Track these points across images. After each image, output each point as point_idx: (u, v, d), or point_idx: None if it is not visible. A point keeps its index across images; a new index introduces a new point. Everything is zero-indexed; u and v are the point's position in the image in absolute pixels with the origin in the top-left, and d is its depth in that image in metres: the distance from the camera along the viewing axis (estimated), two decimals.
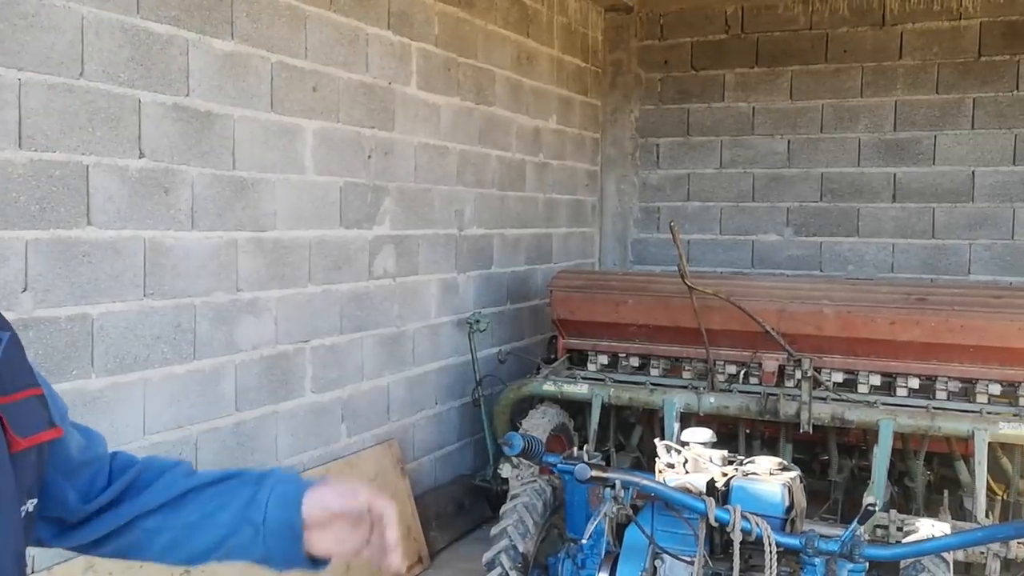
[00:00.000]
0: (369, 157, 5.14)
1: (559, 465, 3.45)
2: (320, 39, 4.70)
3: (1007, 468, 5.09)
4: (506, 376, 6.08)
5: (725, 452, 3.20)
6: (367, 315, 5.26)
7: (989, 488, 5.04)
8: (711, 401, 5.26)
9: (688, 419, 5.36)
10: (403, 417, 5.66)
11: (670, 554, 3.00)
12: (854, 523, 2.69)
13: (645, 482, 2.89)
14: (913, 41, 7.25)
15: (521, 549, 3.42)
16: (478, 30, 6.15)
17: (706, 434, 3.34)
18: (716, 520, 2.79)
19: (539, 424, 5.58)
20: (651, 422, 5.79)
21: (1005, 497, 5.11)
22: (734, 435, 5.58)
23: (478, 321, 5.94)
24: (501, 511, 3.57)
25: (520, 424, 5.58)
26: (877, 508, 2.73)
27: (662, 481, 3.04)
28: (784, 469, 3.09)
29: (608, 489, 2.88)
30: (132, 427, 3.79)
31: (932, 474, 5.37)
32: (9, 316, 1.84)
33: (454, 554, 5.51)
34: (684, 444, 3.31)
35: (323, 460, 4.91)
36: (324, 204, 4.85)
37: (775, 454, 5.45)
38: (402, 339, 5.61)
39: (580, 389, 5.55)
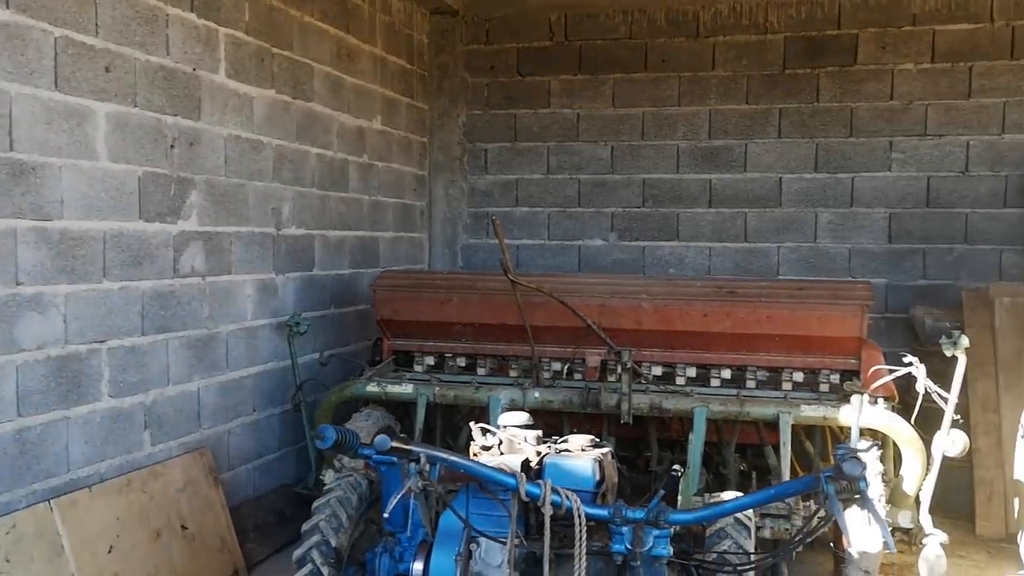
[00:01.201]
0: (172, 147, 4.84)
1: (375, 456, 3.32)
2: (113, 16, 4.39)
3: (810, 451, 5.35)
4: (329, 381, 5.87)
5: (539, 432, 3.17)
6: (173, 315, 4.93)
7: (793, 470, 5.29)
8: (536, 396, 5.27)
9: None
10: (217, 424, 5.34)
11: (486, 536, 2.93)
12: (659, 490, 2.71)
13: (451, 457, 2.81)
14: (725, 53, 7.62)
15: (334, 544, 3.26)
16: (293, 21, 5.95)
17: (521, 416, 3.30)
18: (527, 495, 2.74)
19: (363, 427, 5.40)
20: (479, 422, 5.72)
21: None
22: (560, 431, 5.60)
23: (298, 324, 5.70)
24: (313, 506, 3.39)
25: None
26: (680, 473, 2.76)
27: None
28: (596, 446, 3.10)
29: (412, 464, 2.77)
30: None
31: (744, 463, 5.58)
32: None
33: (274, 565, 5.24)
34: (501, 428, 3.27)
35: (124, 470, 4.54)
36: (120, 194, 4.52)
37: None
38: (214, 342, 5.30)
39: (405, 389, 5.43)
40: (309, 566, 3.22)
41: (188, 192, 5.00)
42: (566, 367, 5.58)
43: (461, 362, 5.84)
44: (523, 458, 3.01)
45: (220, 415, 5.36)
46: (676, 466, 2.77)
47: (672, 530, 2.73)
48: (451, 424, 5.89)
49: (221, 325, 5.36)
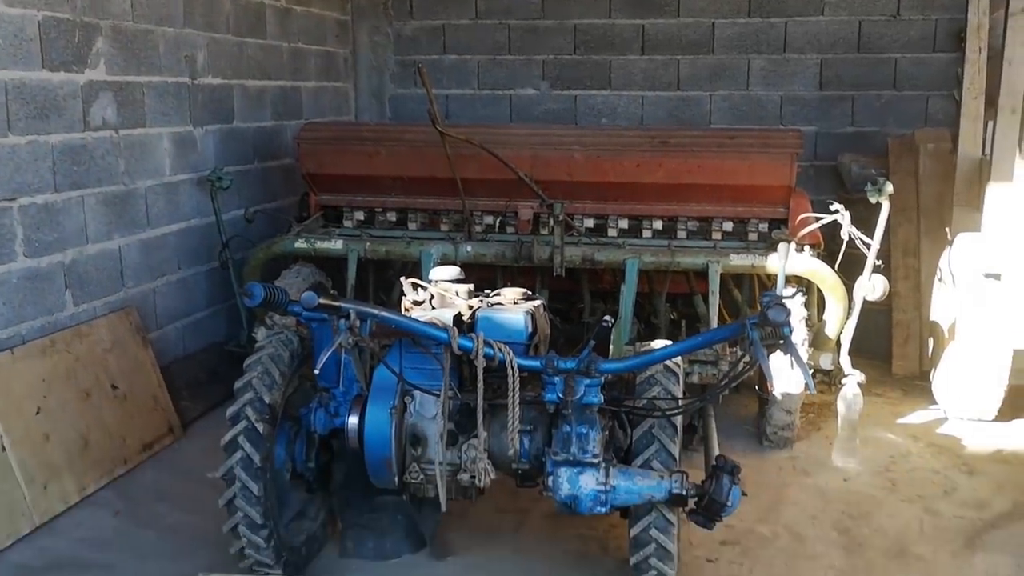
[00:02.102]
0: None
1: (304, 313, 3.28)
2: None
3: (738, 299, 5.49)
4: (256, 238, 5.72)
5: (471, 287, 3.16)
6: (87, 171, 4.70)
7: (722, 318, 5.43)
8: (468, 250, 5.23)
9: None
10: (141, 283, 5.20)
11: (419, 389, 2.95)
12: (590, 341, 2.74)
13: (381, 312, 2.78)
14: None
15: (267, 400, 3.24)
16: None
17: (453, 271, 3.27)
18: (459, 348, 2.75)
19: (292, 284, 5.33)
20: (411, 277, 5.69)
21: None
22: (494, 285, 5.62)
23: (220, 179, 5.49)
24: (245, 364, 3.36)
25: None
26: (611, 323, 2.80)
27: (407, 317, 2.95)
28: (528, 299, 3.10)
29: (342, 320, 2.74)
30: None
31: (675, 312, 5.70)
32: None
33: (210, 422, 5.25)
34: (432, 283, 3.24)
35: (46, 331, 4.42)
36: (20, 41, 4.19)
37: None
38: (132, 198, 5.09)
39: (334, 245, 5.34)
40: (243, 423, 3.22)
41: (94, 39, 4.66)
42: (498, 220, 5.53)
43: (392, 217, 5.74)
44: (455, 312, 3.00)
45: (144, 274, 5.22)
46: (607, 317, 2.79)
47: (603, 379, 2.78)
48: (384, 280, 5.85)
49: (139, 181, 5.14)
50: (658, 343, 3.28)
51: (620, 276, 5.02)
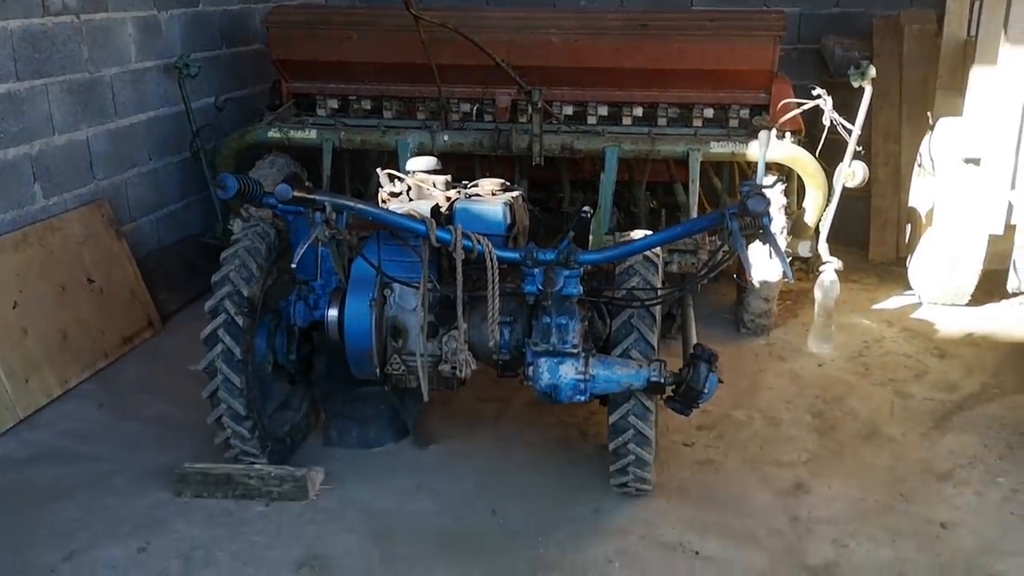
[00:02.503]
0: None
1: (280, 205, 3.22)
2: None
3: (718, 187, 5.46)
4: (228, 127, 5.59)
5: (448, 177, 3.10)
6: (49, 59, 4.52)
7: (702, 206, 5.42)
8: (445, 139, 5.14)
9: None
10: (112, 175, 5.09)
11: (398, 282, 2.93)
12: (569, 231, 2.72)
13: (357, 205, 2.74)
14: None
15: (246, 293, 3.22)
16: None
17: (429, 161, 3.21)
18: (438, 240, 2.72)
19: (267, 175, 5.23)
20: (387, 168, 5.60)
21: None
22: (472, 175, 5.54)
23: (187, 66, 5.31)
24: (222, 256, 3.32)
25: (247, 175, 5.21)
26: (590, 215, 2.77)
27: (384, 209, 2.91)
28: (507, 190, 3.06)
29: (317, 213, 2.70)
30: None
31: (655, 201, 5.67)
32: None
33: (188, 315, 5.23)
34: (409, 174, 3.18)
35: (18, 224, 4.35)
36: None
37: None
38: (98, 87, 4.93)
39: (308, 135, 5.22)
40: (223, 316, 3.20)
41: None
42: (475, 108, 5.41)
43: (366, 105, 5.60)
44: (433, 204, 2.96)
45: (114, 165, 5.11)
46: (586, 208, 2.76)
47: (582, 270, 2.77)
48: (360, 170, 5.76)
49: (104, 69, 4.96)
50: (638, 233, 3.27)
51: (600, 165, 4.96)
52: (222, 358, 3.19)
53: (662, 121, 5.31)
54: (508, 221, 2.99)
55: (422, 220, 2.78)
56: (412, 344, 3.05)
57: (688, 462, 3.75)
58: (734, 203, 2.69)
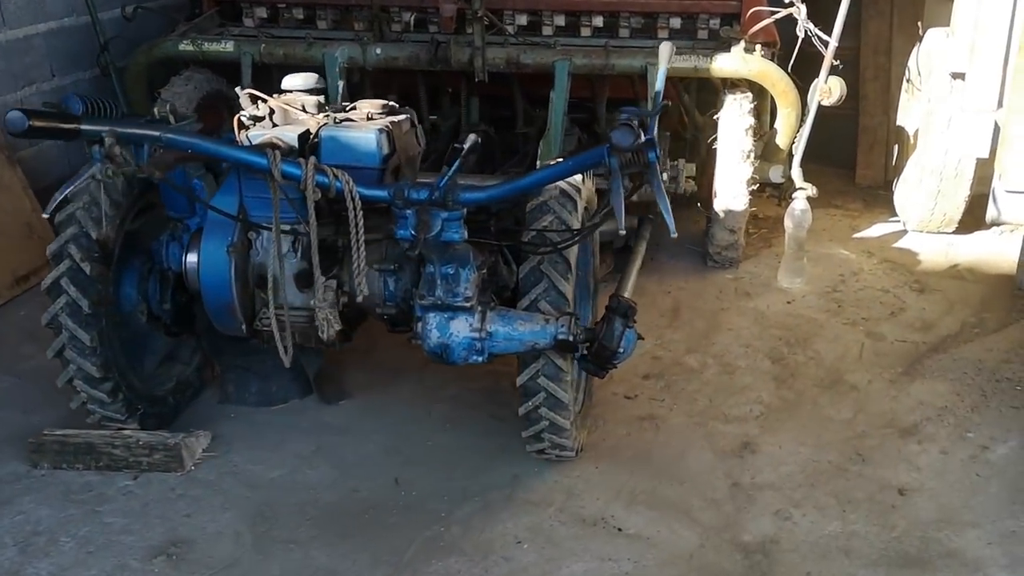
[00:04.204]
0: None
1: (122, 132, 2.72)
2: None
3: (687, 104, 4.93)
4: (141, 39, 5.01)
5: (320, 99, 2.61)
6: None
7: (672, 125, 4.91)
8: (378, 52, 4.60)
9: (354, 75, 4.72)
10: (5, 94, 4.57)
11: (259, 227, 2.47)
12: (449, 169, 2.24)
13: (156, 132, 2.24)
14: None
15: (95, 236, 2.76)
16: None
17: (308, 79, 2.71)
18: (284, 176, 2.24)
19: (182, 92, 4.70)
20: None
21: (686, 135, 5.02)
22: (416, 94, 5.02)
23: None
24: (69, 191, 2.82)
25: (159, 94, 4.69)
26: (465, 148, 2.28)
27: (243, 139, 2.41)
28: (392, 112, 2.56)
29: (96, 147, 2.21)
30: None
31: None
32: None
33: None
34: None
35: None
36: None
37: (459, 110, 5.03)
38: None
39: (225, 47, 4.69)
40: (67, 262, 2.74)
41: None
42: (414, 18, 4.85)
43: (298, 14, 5.04)
44: (302, 130, 2.47)
45: (6, 83, 4.58)
46: (473, 136, 2.27)
47: (463, 211, 2.31)
48: None
49: None
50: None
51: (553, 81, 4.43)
52: (66, 312, 2.75)
53: (624, 32, 4.76)
54: (384, 151, 2.50)
55: (264, 153, 2.29)
56: (282, 296, 2.61)
57: (627, 418, 3.34)
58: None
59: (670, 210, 2.25)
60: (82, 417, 3.05)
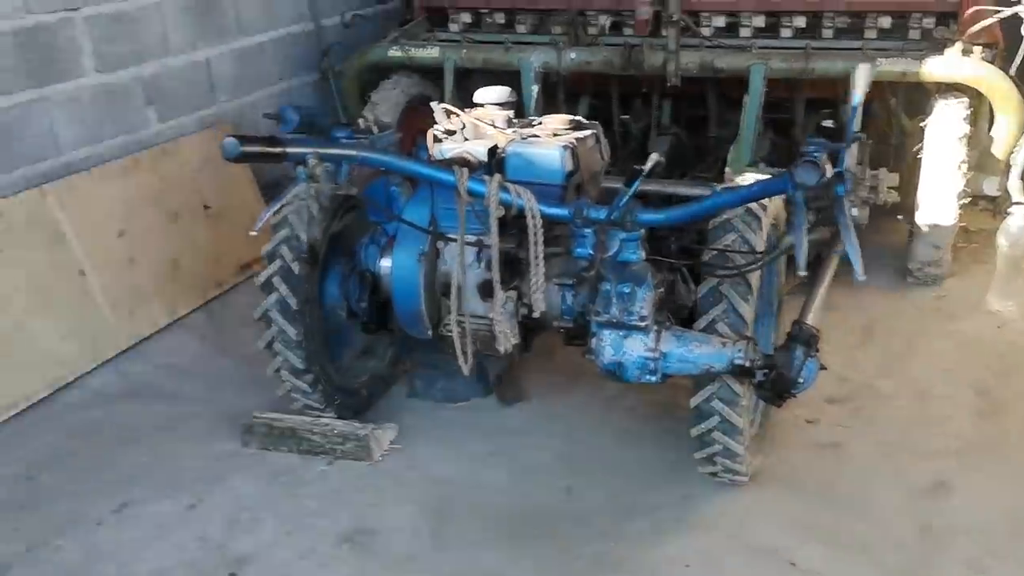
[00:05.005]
0: None
1: (344, 140, 2.93)
2: None
3: (893, 108, 4.65)
4: (359, 45, 5.33)
5: (510, 113, 2.67)
6: None
7: (881, 133, 4.66)
8: (572, 57, 4.67)
9: (551, 79, 4.80)
10: (237, 97, 5.00)
11: (447, 238, 2.58)
12: (628, 189, 2.24)
13: (357, 153, 2.37)
14: None
15: (305, 238, 2.98)
16: None
17: (502, 92, 2.79)
18: (470, 193, 2.32)
19: (390, 96, 4.98)
20: (519, 87, 5.19)
21: (891, 141, 4.74)
22: (608, 98, 5.04)
23: None
24: (275, 210, 3.06)
25: (369, 97, 4.98)
26: (645, 171, 2.26)
27: (436, 152, 2.53)
28: (577, 127, 2.59)
29: (300, 167, 2.36)
30: None
31: (834, 120, 4.91)
32: None
33: None
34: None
35: (129, 150, 4.32)
36: None
37: (651, 112, 4.99)
38: (219, 3, 4.79)
39: (429, 53, 4.91)
40: (279, 262, 2.98)
41: None
42: (611, 22, 4.87)
43: (499, 19, 5.18)
44: (491, 145, 2.55)
45: (240, 87, 5.00)
46: (655, 156, 2.24)
47: (641, 232, 2.30)
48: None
49: None
50: (749, 178, 2.71)
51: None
52: (277, 308, 2.99)
53: (827, 33, 4.56)
54: (567, 168, 2.53)
55: (451, 168, 2.38)
56: (465, 304, 2.71)
57: (807, 443, 3.22)
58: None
59: (858, 249, 2.15)
60: (287, 403, 3.31)
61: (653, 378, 2.55)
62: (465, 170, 2.36)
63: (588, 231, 2.32)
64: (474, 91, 5.11)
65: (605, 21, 4.92)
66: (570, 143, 2.56)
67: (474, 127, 2.65)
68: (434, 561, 2.71)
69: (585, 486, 3.03)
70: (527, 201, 2.33)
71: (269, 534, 2.81)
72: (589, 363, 3.55)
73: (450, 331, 2.79)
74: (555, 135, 2.61)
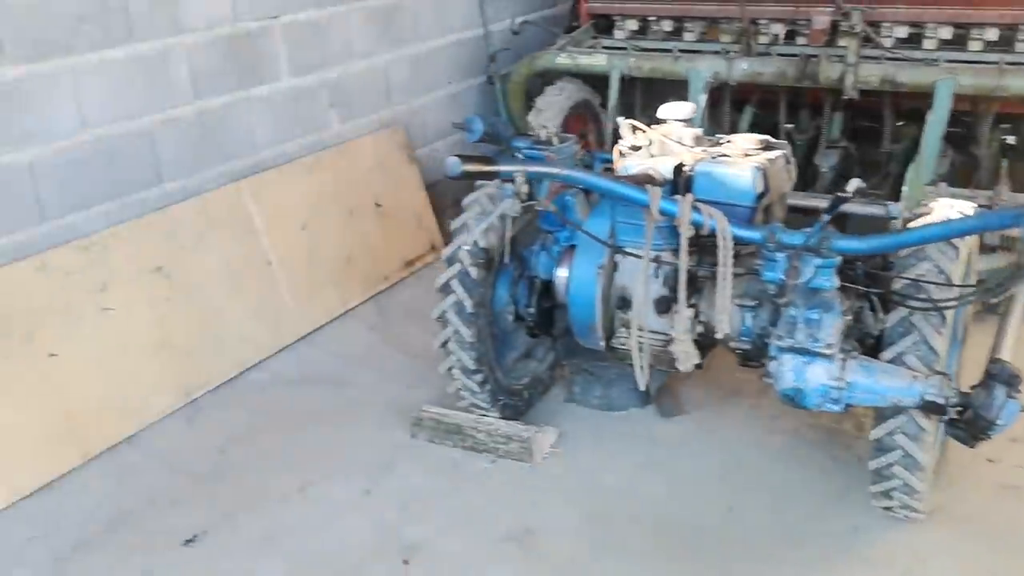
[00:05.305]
0: None
1: (526, 150, 3.02)
2: None
3: None
4: (525, 51, 5.44)
5: (699, 131, 2.67)
6: None
7: None
8: (743, 67, 4.60)
9: (720, 89, 4.75)
10: (409, 100, 5.19)
11: (627, 252, 2.61)
12: (833, 207, 2.20)
13: (559, 171, 2.42)
14: None
15: (483, 244, 3.08)
16: None
17: (687, 109, 2.79)
18: (662, 213, 2.34)
19: (555, 102, 5.06)
20: (684, 96, 5.16)
21: None
22: (775, 110, 4.94)
23: None
24: (464, 202, 3.20)
25: (534, 103, 5.07)
26: (848, 197, 2.21)
27: (621, 168, 2.56)
28: (767, 148, 2.57)
29: (507, 185, 2.43)
30: (67, 119, 3.47)
31: (1018, 139, 4.66)
32: None
33: None
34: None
35: (312, 149, 4.57)
36: None
37: (819, 124, 4.85)
38: (399, 12, 4.99)
39: (597, 61, 4.94)
40: (457, 266, 3.09)
41: None
42: (786, 31, 4.76)
43: (667, 26, 5.17)
44: (676, 163, 2.56)
45: (412, 90, 5.19)
46: (856, 181, 2.19)
47: (837, 259, 2.25)
48: (659, 95, 5.34)
49: None
50: (942, 207, 2.60)
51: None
52: (454, 310, 3.10)
53: (1022, 47, 4.31)
54: (758, 190, 2.51)
55: (645, 186, 2.40)
56: (641, 320, 2.73)
57: (987, 483, 3.08)
58: None
59: None
60: (453, 399, 3.44)
61: (835, 407, 2.49)
62: (658, 190, 2.38)
63: (780, 256, 2.30)
64: (636, 98, 5.19)
65: (779, 30, 4.82)
66: (762, 164, 2.55)
67: (660, 143, 2.67)
68: (594, 568, 2.75)
69: (747, 506, 3.00)
70: (719, 223, 2.33)
71: (438, 525, 2.93)
72: (746, 379, 3.54)
73: (623, 344, 2.82)
74: (745, 155, 2.60)
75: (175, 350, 3.66)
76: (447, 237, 5.16)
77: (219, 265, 3.93)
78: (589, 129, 5.45)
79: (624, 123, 2.79)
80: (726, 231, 2.32)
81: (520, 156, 2.99)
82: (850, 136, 4.86)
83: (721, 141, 2.76)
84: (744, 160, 2.56)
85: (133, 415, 3.45)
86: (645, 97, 5.29)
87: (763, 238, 2.32)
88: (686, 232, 2.36)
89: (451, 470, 3.22)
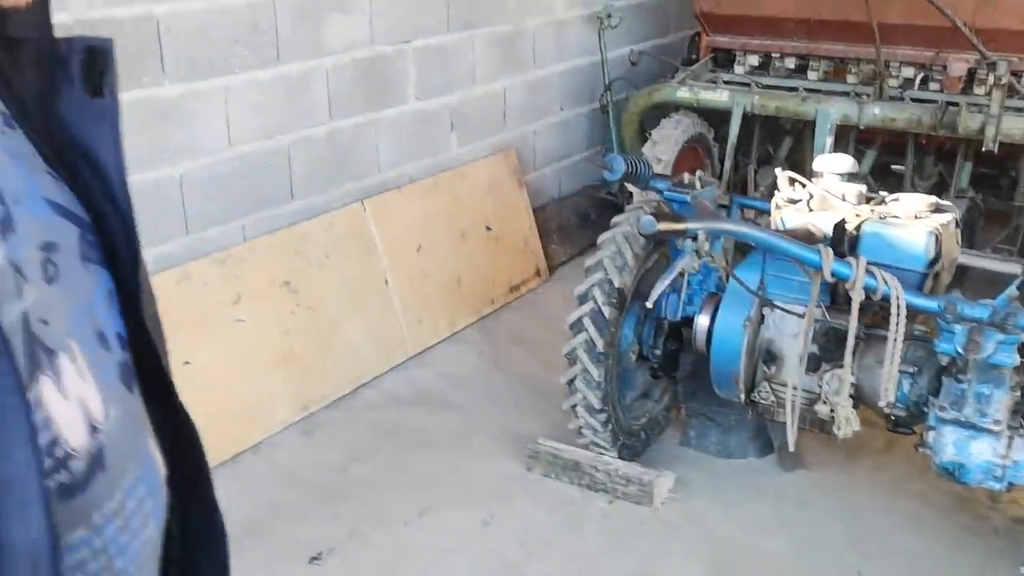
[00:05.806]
0: None
1: (666, 192, 2.99)
2: None
3: None
4: (640, 80, 5.42)
5: (863, 187, 2.60)
6: (478, 10, 4.67)
7: None
8: (875, 112, 4.49)
9: (847, 133, 4.65)
10: (522, 125, 5.21)
11: (778, 307, 2.55)
12: (1011, 287, 2.12)
13: (737, 228, 2.38)
14: None
15: (617, 283, 3.05)
16: None
17: (845, 163, 2.73)
18: (834, 275, 2.28)
19: (671, 135, 5.01)
20: (804, 134, 5.08)
21: None
22: (903, 150, 4.82)
23: (610, 16, 5.21)
24: (599, 240, 3.18)
25: (650, 135, 5.03)
26: None
27: (777, 221, 2.52)
28: (937, 211, 2.49)
29: (688, 242, 2.39)
30: (216, 136, 3.56)
31: None
32: (62, 18, 1.50)
33: (575, 268, 5.23)
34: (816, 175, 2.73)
35: (431, 171, 4.61)
36: None
37: (951, 172, 4.71)
38: (520, 38, 5.01)
39: (719, 96, 4.88)
40: (590, 304, 3.07)
41: None
42: (919, 76, 4.64)
43: (790, 63, 5.09)
44: (838, 219, 2.50)
45: (526, 115, 5.21)
46: None
47: (1021, 337, 2.17)
48: (772, 130, 5.28)
49: (528, 19, 5.04)
50: None
51: None
52: (584, 348, 3.08)
53: None
54: (931, 256, 2.43)
55: (817, 246, 2.35)
56: (787, 374, 2.67)
57: None
58: None
59: None
60: (563, 429, 3.39)
61: (998, 485, 2.40)
62: (830, 251, 2.32)
63: (959, 328, 2.22)
64: (754, 135, 5.11)
65: (911, 74, 4.71)
66: (935, 228, 2.47)
67: (822, 199, 2.61)
68: None
69: (877, 573, 2.91)
70: (893, 290, 2.26)
71: (557, 563, 2.90)
72: (868, 436, 3.43)
73: (764, 398, 2.76)
74: (916, 217, 2.52)
75: (296, 364, 3.71)
76: (550, 262, 5.22)
77: (341, 282, 3.98)
78: (703, 164, 5.39)
79: (782, 175, 2.73)
80: (901, 299, 2.25)
81: (662, 196, 2.96)
82: (976, 187, 4.71)
83: (886, 200, 2.68)
84: (916, 222, 2.48)
85: (255, 425, 3.51)
86: (762, 132, 5.22)
87: (941, 309, 2.24)
88: (858, 297, 2.29)
89: (569, 507, 3.18)
